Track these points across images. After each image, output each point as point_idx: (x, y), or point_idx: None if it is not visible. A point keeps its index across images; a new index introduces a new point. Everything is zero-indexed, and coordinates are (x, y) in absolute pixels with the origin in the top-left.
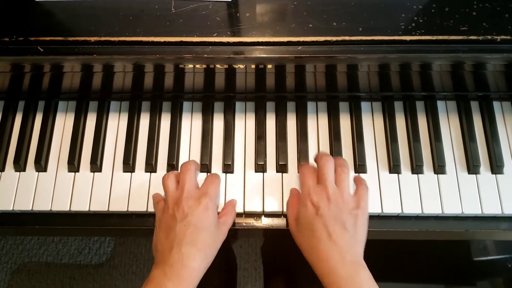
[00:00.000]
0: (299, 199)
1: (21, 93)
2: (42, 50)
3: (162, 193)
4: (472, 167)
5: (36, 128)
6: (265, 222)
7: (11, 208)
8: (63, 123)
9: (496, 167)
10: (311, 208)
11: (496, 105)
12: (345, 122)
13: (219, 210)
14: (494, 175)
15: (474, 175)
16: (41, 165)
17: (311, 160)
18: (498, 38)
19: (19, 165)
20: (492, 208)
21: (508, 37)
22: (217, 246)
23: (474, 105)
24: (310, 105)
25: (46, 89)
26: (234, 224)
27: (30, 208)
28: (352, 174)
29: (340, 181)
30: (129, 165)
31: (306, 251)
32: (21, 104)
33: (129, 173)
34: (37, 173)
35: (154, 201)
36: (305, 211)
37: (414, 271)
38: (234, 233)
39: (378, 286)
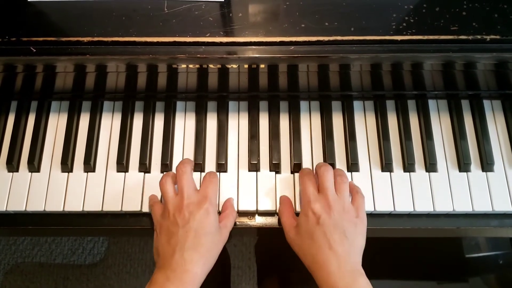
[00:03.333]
0: (293, 208)
1: (14, 94)
2: (34, 50)
3: (157, 193)
4: (463, 165)
5: (29, 128)
6: (258, 220)
7: (4, 209)
8: (56, 123)
9: (487, 165)
10: (312, 217)
11: (486, 103)
12: (337, 121)
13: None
14: (484, 173)
15: (465, 173)
16: (34, 165)
17: (305, 165)
18: (488, 37)
19: (12, 166)
20: (482, 206)
21: (498, 37)
22: (218, 250)
23: (465, 104)
24: (303, 104)
25: (39, 89)
26: None
27: (24, 209)
28: None
29: (340, 190)
30: (122, 165)
31: (306, 259)
32: (14, 104)
33: (123, 173)
34: (30, 173)
35: (149, 202)
36: (306, 220)
37: (406, 269)
38: None
39: None
